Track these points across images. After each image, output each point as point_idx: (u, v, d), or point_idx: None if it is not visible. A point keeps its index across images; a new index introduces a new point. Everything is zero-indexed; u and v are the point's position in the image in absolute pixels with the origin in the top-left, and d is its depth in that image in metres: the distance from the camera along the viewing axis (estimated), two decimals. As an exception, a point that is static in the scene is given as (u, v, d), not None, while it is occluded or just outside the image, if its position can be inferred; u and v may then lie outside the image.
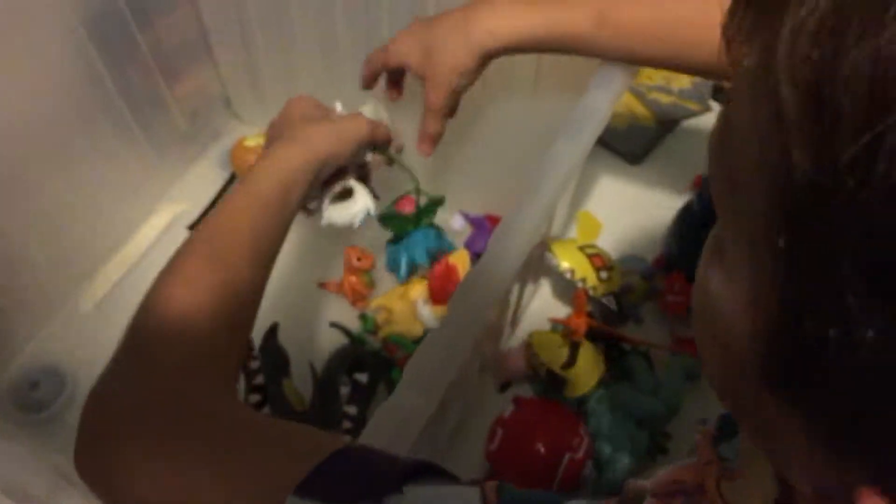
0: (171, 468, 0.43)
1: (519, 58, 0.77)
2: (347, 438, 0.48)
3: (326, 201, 0.69)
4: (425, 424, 0.52)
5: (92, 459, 0.46)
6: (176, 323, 0.49)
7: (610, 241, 0.92)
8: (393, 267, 0.89)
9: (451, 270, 0.79)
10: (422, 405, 0.51)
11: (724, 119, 0.27)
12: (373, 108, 0.73)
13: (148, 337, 0.49)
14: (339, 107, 0.70)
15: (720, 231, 0.30)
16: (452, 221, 0.92)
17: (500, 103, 0.85)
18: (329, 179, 0.67)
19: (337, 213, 0.70)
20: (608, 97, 0.64)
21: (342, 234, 0.93)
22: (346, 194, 0.70)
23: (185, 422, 0.45)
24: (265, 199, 0.57)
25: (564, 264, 0.80)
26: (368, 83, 0.74)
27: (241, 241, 0.54)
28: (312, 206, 0.69)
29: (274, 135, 0.67)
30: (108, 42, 0.81)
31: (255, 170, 0.59)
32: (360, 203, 0.70)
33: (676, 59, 0.62)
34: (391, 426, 0.50)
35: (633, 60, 0.66)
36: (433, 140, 0.71)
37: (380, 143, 0.70)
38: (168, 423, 0.45)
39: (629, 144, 1.03)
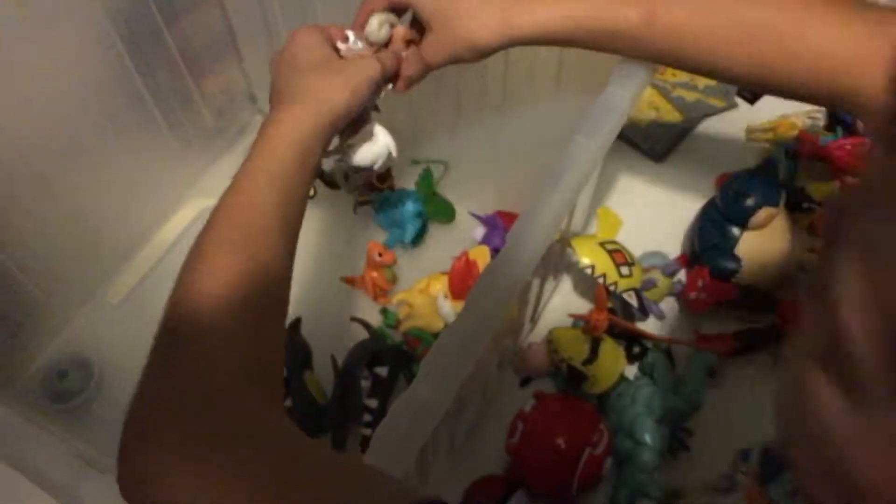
0: (211, 491, 0.40)
1: (542, 56, 0.77)
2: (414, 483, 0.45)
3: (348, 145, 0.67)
4: (442, 417, 0.52)
5: (130, 472, 0.43)
6: (211, 323, 0.46)
7: (633, 238, 0.91)
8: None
9: (471, 266, 0.79)
10: (438, 398, 0.51)
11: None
12: (380, 20, 0.66)
13: (181, 340, 0.46)
14: (351, 37, 0.65)
15: (828, 338, 0.24)
16: (474, 233, 0.93)
17: (520, 102, 0.85)
18: (350, 123, 0.64)
19: (359, 156, 0.68)
20: (628, 92, 0.64)
21: (366, 228, 0.95)
22: (366, 135, 0.68)
23: (225, 440, 0.42)
24: (284, 171, 0.54)
25: (585, 260, 0.80)
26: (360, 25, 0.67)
27: (268, 222, 0.51)
28: (332, 149, 0.66)
29: (278, 82, 0.61)
30: (137, 40, 0.82)
31: (267, 138, 0.55)
32: (381, 143, 0.68)
33: (750, 73, 0.58)
34: (408, 418, 0.51)
35: (686, 67, 0.61)
36: (412, 82, 0.67)
37: (392, 76, 0.66)
38: (206, 439, 0.42)
39: (652, 141, 1.03)
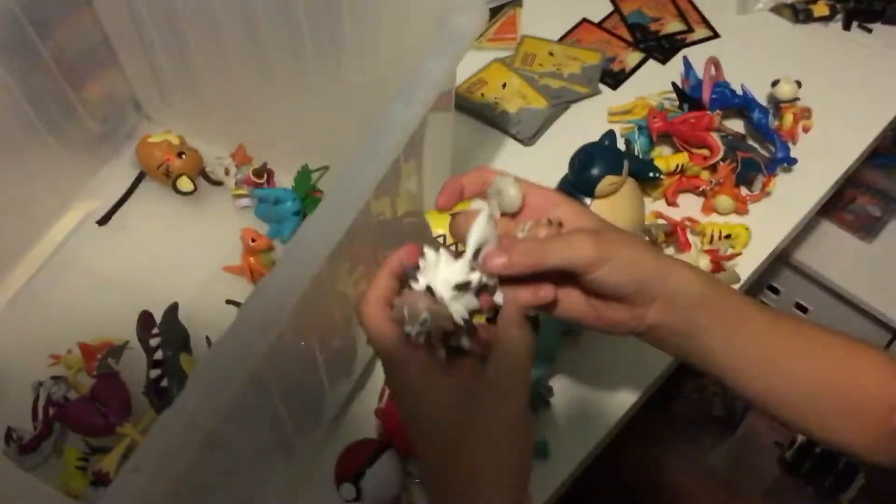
0: None
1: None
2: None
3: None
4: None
5: None
6: None
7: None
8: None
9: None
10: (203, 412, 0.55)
11: None
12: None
13: None
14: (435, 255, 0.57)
15: None
16: None
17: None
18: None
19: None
20: (445, 61, 0.69)
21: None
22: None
23: None
24: None
25: (438, 231, 0.85)
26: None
27: None
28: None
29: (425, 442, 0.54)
30: (10, 50, 0.86)
31: None
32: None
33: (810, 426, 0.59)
34: (172, 434, 0.54)
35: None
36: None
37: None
38: None
39: (521, 127, 1.09)
